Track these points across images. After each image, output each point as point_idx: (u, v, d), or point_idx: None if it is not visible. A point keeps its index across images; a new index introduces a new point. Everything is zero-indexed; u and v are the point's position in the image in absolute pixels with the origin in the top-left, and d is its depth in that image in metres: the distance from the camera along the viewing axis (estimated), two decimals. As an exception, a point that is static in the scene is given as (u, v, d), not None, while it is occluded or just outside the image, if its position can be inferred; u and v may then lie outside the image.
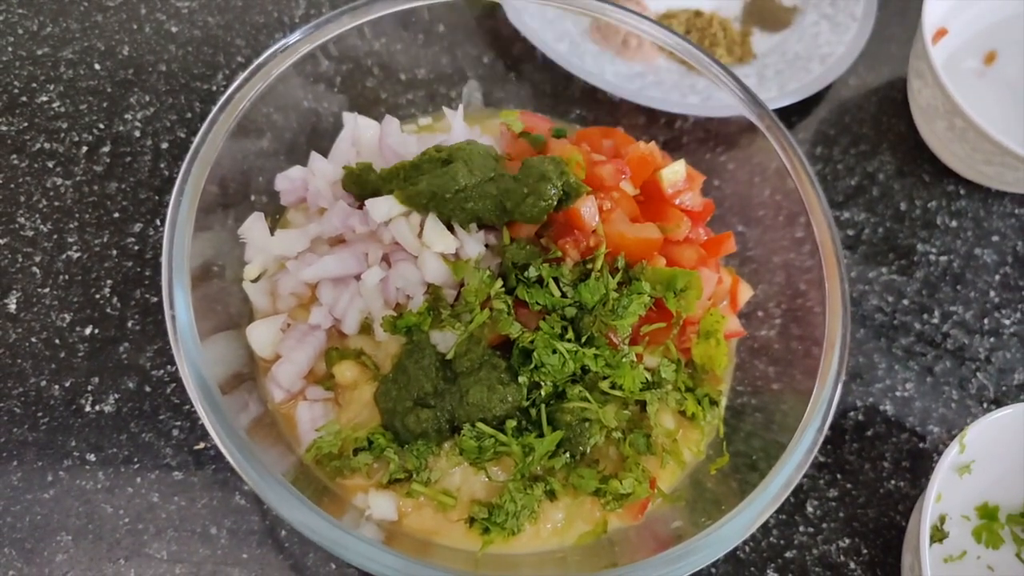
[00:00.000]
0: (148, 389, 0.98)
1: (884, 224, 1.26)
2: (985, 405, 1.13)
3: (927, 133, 1.29)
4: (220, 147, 0.85)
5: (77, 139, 1.13)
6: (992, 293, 1.22)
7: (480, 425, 0.81)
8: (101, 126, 1.14)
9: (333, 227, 0.88)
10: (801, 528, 1.01)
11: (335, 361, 0.87)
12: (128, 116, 1.16)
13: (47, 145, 1.12)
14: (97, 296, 1.03)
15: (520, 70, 1.19)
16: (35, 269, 1.03)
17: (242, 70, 0.91)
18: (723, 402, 0.96)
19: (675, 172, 0.94)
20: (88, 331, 1.00)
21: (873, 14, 1.35)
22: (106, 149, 1.13)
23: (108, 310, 1.02)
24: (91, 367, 0.98)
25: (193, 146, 0.84)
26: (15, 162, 1.10)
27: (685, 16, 1.38)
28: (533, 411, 0.84)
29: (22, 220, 1.06)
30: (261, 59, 0.91)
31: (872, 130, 1.34)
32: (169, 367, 0.99)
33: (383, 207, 0.85)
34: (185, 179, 0.82)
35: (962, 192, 1.30)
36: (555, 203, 0.85)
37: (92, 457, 0.94)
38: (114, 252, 1.06)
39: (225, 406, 0.73)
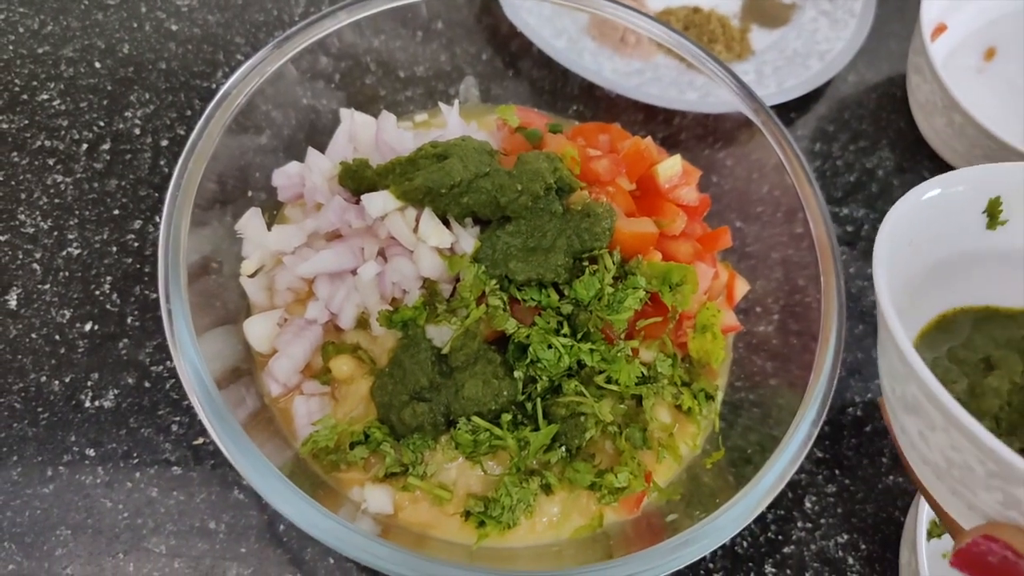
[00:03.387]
0: (147, 385, 0.98)
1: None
2: (984, 401, 1.13)
3: (926, 129, 1.28)
4: (217, 143, 0.86)
5: (77, 137, 1.13)
6: (992, 289, 1.21)
7: (476, 419, 0.82)
8: (101, 124, 1.15)
9: (329, 222, 0.88)
10: (799, 523, 1.01)
11: (331, 355, 0.88)
12: (128, 114, 1.16)
13: (47, 143, 1.12)
14: (97, 292, 1.03)
15: (518, 67, 1.20)
16: (35, 266, 1.04)
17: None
18: (720, 396, 0.96)
19: (671, 167, 0.94)
20: (88, 327, 1.01)
21: (872, 10, 1.35)
22: (106, 146, 1.13)
23: (108, 306, 1.02)
24: (91, 363, 0.99)
25: (189, 142, 0.84)
26: (16, 159, 1.11)
27: (684, 13, 1.38)
28: (529, 405, 0.84)
29: (23, 217, 1.07)
30: (257, 56, 0.92)
31: (871, 126, 1.34)
32: (168, 363, 0.99)
33: (379, 202, 0.85)
34: (181, 175, 0.82)
35: (962, 188, 1.29)
36: (549, 198, 0.85)
37: (91, 452, 0.94)
38: (114, 249, 1.06)
39: (222, 401, 0.73)
